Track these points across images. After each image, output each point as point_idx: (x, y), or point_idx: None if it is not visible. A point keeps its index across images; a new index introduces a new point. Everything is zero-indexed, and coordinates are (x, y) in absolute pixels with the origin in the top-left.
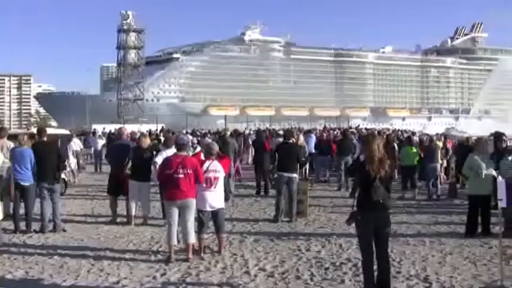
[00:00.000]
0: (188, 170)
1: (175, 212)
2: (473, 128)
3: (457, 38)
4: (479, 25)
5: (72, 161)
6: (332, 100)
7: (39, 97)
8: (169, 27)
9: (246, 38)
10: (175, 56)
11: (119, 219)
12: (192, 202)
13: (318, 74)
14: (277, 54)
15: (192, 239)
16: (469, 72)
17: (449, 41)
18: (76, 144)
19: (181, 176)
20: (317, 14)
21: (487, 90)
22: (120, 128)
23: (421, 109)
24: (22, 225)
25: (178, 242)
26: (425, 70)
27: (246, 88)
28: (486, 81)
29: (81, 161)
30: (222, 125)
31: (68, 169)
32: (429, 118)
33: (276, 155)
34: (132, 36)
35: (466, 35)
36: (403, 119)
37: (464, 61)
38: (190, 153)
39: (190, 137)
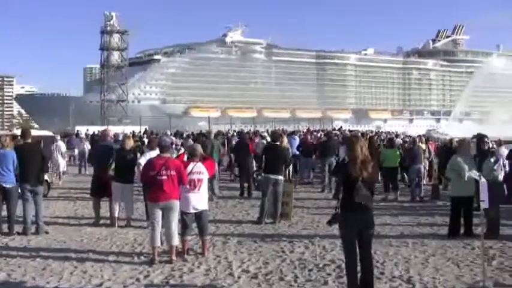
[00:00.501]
0: (171, 172)
1: (158, 213)
2: (455, 129)
3: (439, 40)
4: (460, 27)
5: (61, 162)
6: (314, 102)
7: (19, 99)
8: (150, 28)
9: (228, 39)
10: (156, 57)
11: (102, 221)
12: (176, 204)
13: (299, 76)
14: (259, 55)
15: (176, 240)
16: (450, 74)
17: (431, 43)
18: (61, 146)
19: (164, 177)
20: (299, 16)
21: (468, 92)
22: (104, 130)
23: (402, 111)
24: (4, 227)
25: (162, 243)
26: (407, 72)
27: (228, 90)
28: (467, 83)
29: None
30: (204, 126)
31: (57, 170)
32: (411, 120)
33: (263, 157)
34: (116, 37)
35: (447, 37)
36: (385, 120)
37: (445, 63)
38: (174, 156)
39: (174, 139)
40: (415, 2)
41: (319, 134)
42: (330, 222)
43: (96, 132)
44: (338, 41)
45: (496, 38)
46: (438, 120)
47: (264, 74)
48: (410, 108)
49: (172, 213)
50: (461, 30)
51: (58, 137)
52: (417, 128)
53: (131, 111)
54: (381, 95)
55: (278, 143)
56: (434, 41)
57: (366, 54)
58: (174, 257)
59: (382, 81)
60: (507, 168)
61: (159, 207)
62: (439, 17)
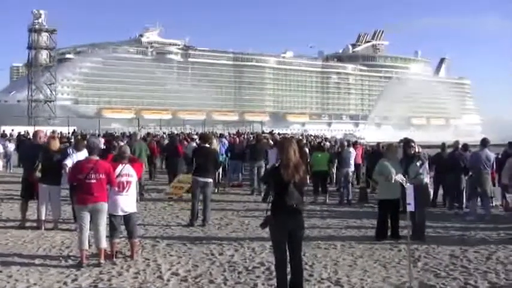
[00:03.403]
0: (101, 175)
1: (86, 216)
2: (372, 134)
3: (359, 45)
4: (380, 33)
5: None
6: (230, 104)
7: None
8: (63, 26)
9: (144, 39)
10: (68, 56)
11: (28, 224)
12: (104, 206)
13: (216, 78)
14: (175, 57)
15: (104, 243)
16: (369, 79)
17: (350, 47)
18: None
19: (93, 181)
20: (220, 17)
21: (385, 97)
22: (36, 131)
23: (321, 115)
24: None
25: (90, 246)
26: (326, 76)
27: (142, 91)
28: (385, 88)
29: None
30: (117, 128)
31: None
32: (329, 124)
33: (193, 159)
34: (44, 36)
35: (367, 42)
36: (303, 124)
37: (364, 68)
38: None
39: (102, 140)
40: (337, 6)
41: (250, 137)
42: (262, 225)
43: (22, 133)
44: (258, 43)
45: (414, 44)
46: (357, 124)
47: (180, 75)
48: (329, 112)
49: (100, 215)
50: (381, 35)
51: None
52: (335, 132)
53: (43, 111)
54: (299, 99)
55: (208, 145)
56: (354, 45)
57: (284, 57)
58: (102, 260)
59: (301, 85)
60: (432, 173)
61: (87, 209)
62: (361, 22)
